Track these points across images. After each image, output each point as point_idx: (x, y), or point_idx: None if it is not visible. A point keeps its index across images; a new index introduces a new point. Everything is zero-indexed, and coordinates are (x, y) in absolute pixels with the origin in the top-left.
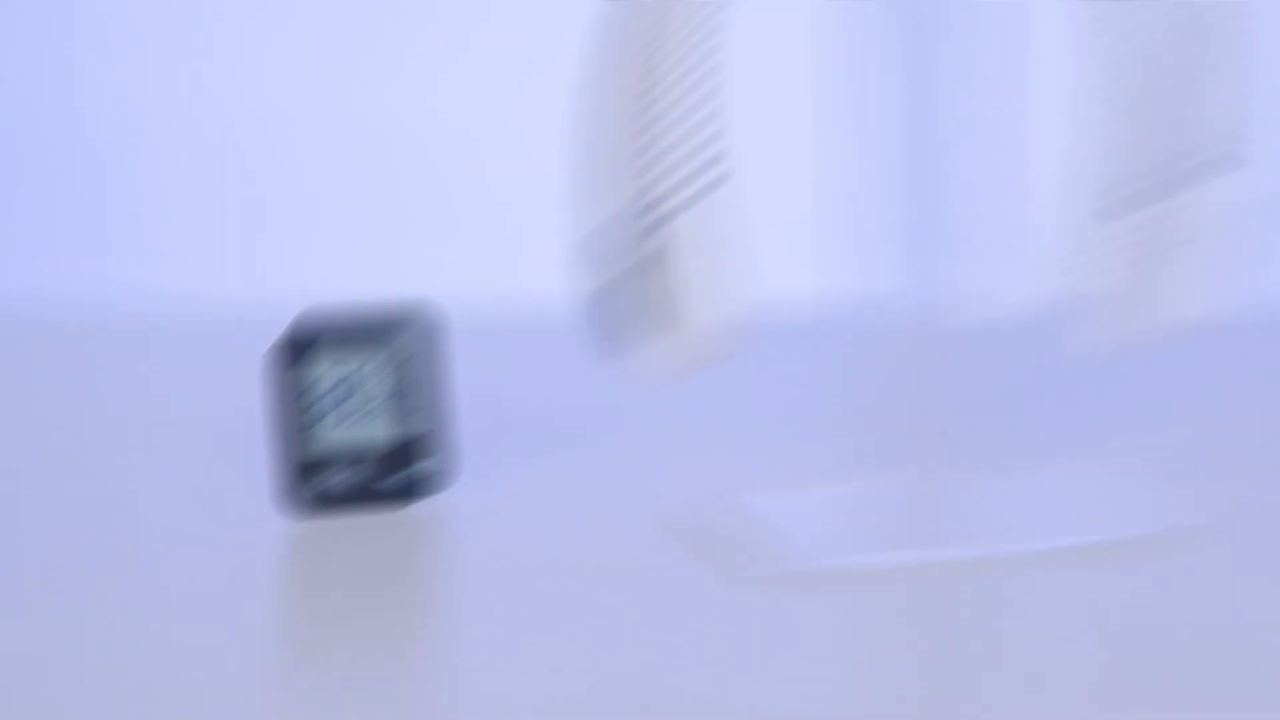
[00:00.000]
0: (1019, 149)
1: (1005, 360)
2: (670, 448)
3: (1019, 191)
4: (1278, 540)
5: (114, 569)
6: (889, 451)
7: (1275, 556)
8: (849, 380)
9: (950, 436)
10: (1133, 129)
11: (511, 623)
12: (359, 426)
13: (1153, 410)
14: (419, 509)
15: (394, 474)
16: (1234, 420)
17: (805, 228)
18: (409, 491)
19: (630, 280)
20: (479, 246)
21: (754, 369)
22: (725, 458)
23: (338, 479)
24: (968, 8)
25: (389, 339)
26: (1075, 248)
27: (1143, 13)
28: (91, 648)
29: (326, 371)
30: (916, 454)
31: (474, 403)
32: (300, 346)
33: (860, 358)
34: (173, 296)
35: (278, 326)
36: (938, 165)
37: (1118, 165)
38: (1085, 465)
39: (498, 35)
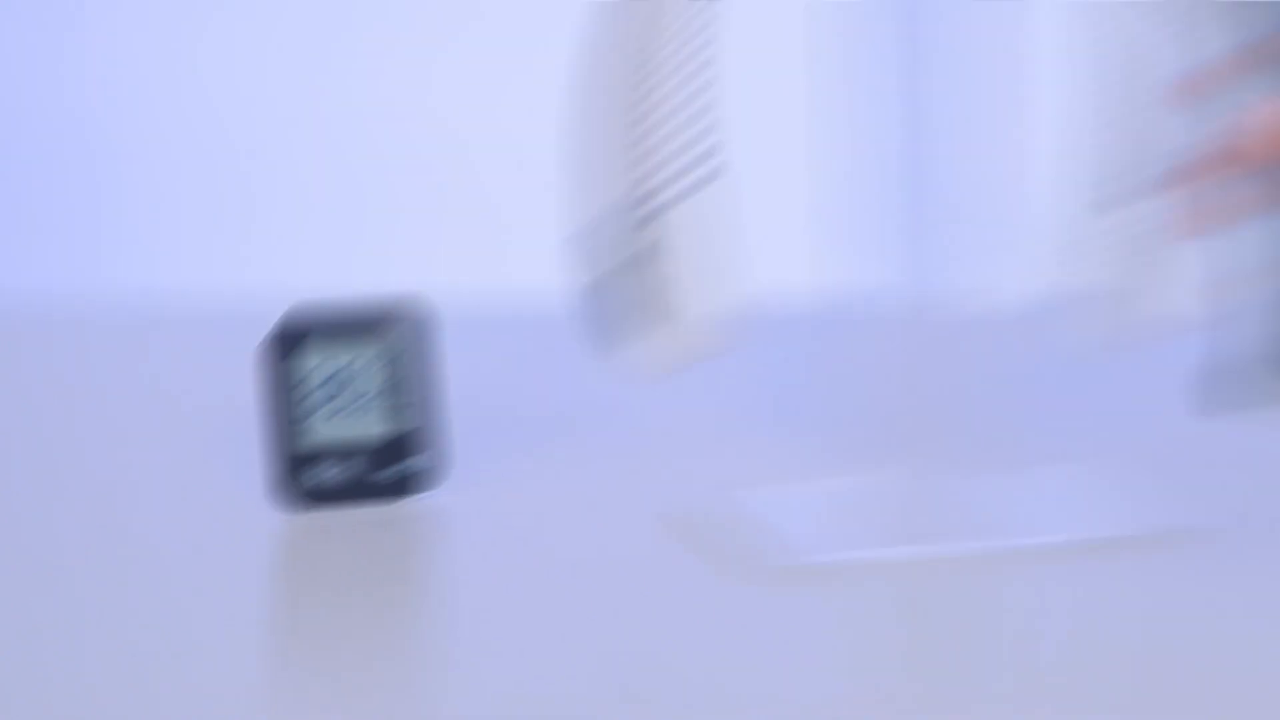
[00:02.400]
0: (1015, 142)
1: (1000, 355)
2: (664, 442)
3: (1015, 185)
4: (1265, 546)
5: (109, 561)
6: (882, 447)
7: (1260, 562)
8: (843, 375)
9: (942, 432)
10: (1130, 122)
11: (505, 617)
12: (351, 421)
13: (1145, 406)
14: (411, 504)
15: (386, 469)
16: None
17: (801, 221)
18: (401, 487)
19: (624, 274)
20: (470, 241)
21: (748, 363)
22: (719, 452)
23: (330, 474)
24: (962, 4)
25: (381, 334)
26: (1071, 241)
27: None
28: (87, 640)
29: (318, 366)
30: (909, 449)
31: (466, 398)
32: (291, 340)
33: (854, 352)
34: (168, 291)
35: (270, 320)
36: (933, 159)
37: (1113, 158)
38: (1076, 463)
39: (489, 30)
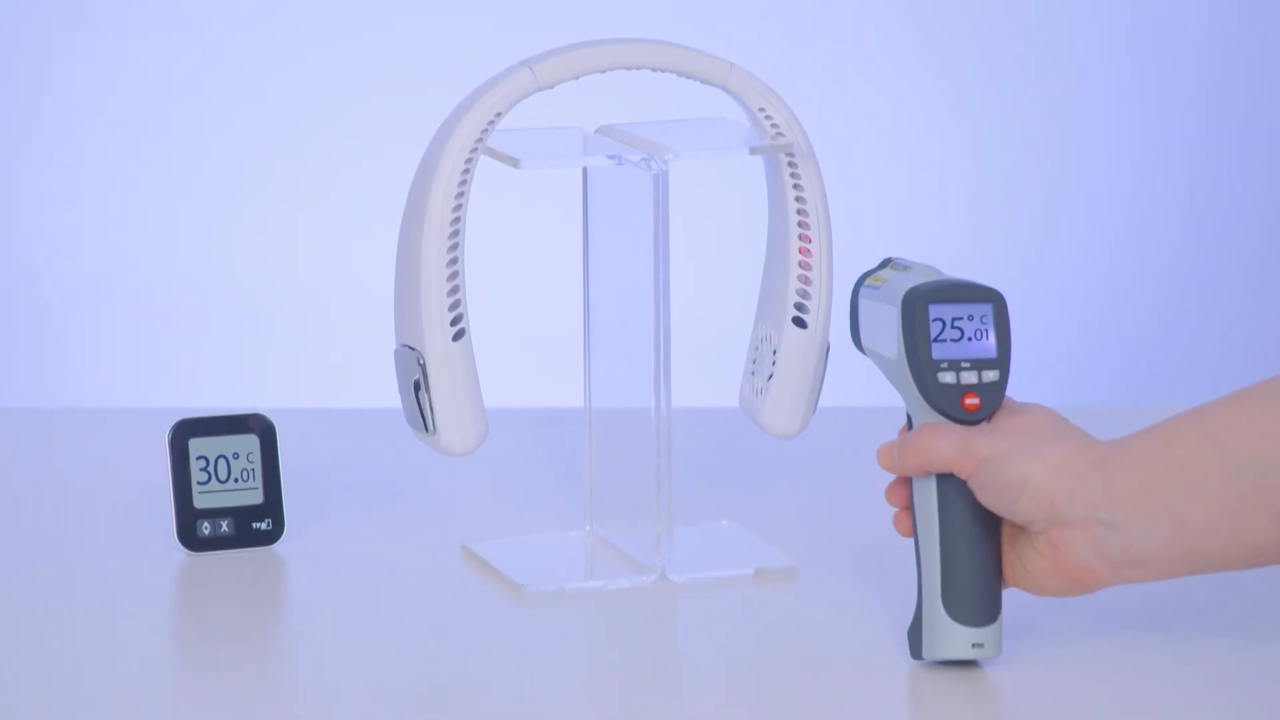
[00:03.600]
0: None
1: (694, 443)
2: (447, 504)
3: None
4: (837, 577)
5: (61, 580)
6: (598, 509)
7: (836, 587)
8: (574, 458)
9: (637, 499)
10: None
11: (333, 629)
12: (224, 493)
13: (784, 477)
14: (274, 549)
15: (248, 525)
16: (825, 489)
17: (554, 352)
18: (261, 539)
19: (412, 391)
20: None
21: (513, 449)
22: (489, 510)
23: (210, 527)
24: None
25: (242, 434)
26: (750, 360)
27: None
28: (40, 639)
29: (204, 454)
30: (616, 511)
31: (322, 476)
32: (186, 437)
33: (588, 444)
34: (96, 397)
35: (171, 422)
36: (649, 307)
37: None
38: (725, 521)
39: (343, 201)
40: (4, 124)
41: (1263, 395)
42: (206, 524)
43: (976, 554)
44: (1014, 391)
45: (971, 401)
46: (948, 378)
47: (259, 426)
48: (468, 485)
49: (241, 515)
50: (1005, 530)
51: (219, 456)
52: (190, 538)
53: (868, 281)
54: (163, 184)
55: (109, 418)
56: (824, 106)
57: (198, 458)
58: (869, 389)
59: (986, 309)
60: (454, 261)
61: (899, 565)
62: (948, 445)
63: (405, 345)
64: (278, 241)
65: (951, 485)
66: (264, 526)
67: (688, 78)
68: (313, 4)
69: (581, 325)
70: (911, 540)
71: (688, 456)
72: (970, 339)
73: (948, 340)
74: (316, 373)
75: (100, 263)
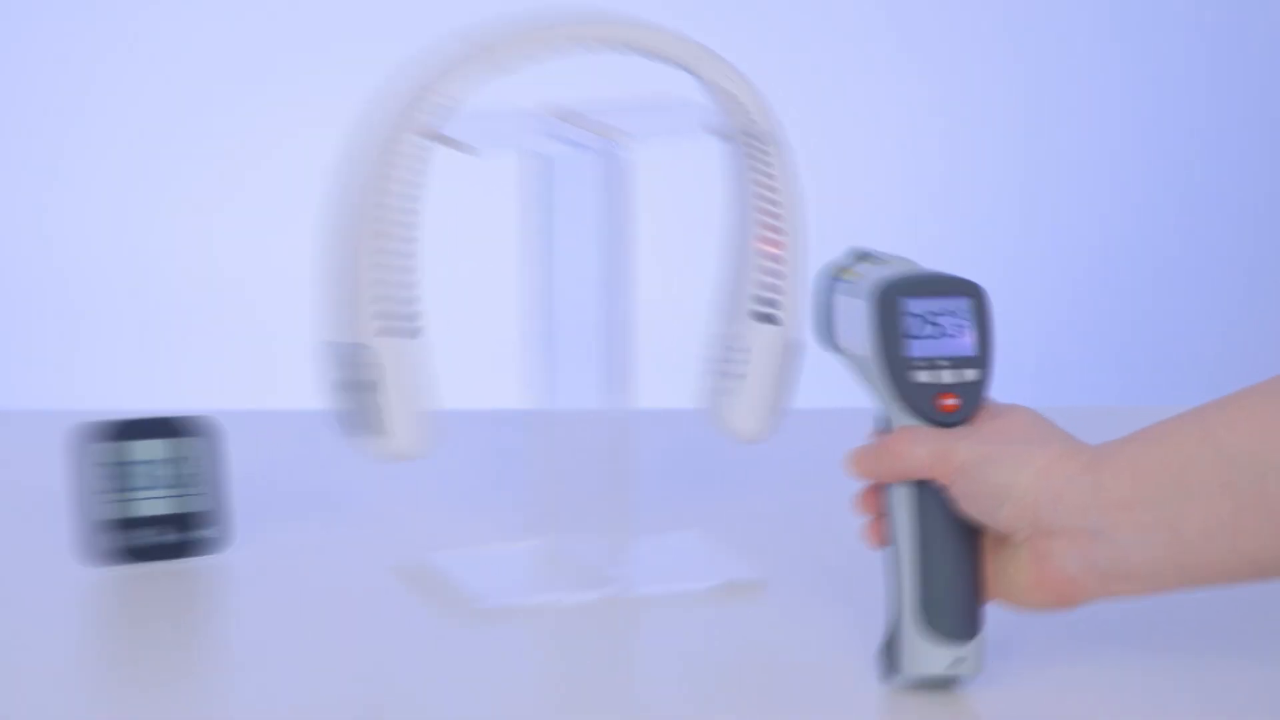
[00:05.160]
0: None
1: (655, 447)
2: (395, 511)
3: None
4: (807, 590)
5: None
6: (544, 518)
7: (807, 602)
8: (526, 464)
9: (594, 507)
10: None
11: (274, 647)
12: (154, 500)
13: (752, 484)
14: (201, 562)
15: (179, 535)
16: (795, 497)
17: (504, 351)
18: (191, 549)
19: (348, 393)
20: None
21: (456, 453)
22: (435, 520)
23: (150, 535)
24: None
25: (179, 437)
26: (716, 359)
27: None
28: None
29: (135, 457)
30: (571, 520)
31: (251, 483)
32: (115, 438)
33: (541, 448)
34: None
35: (77, 422)
36: (612, 301)
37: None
38: (689, 531)
39: (260, 185)
40: None
41: (1264, 396)
42: (144, 532)
43: (957, 565)
44: (996, 392)
45: (950, 402)
46: (924, 377)
47: (202, 429)
48: (414, 493)
49: (183, 523)
50: (987, 540)
51: (160, 460)
52: (120, 549)
53: (835, 275)
54: (80, 176)
55: (43, 420)
56: (801, 97)
57: (139, 462)
58: (841, 390)
59: (965, 303)
60: (404, 254)
61: (875, 578)
62: (924, 450)
63: (346, 342)
64: (197, 235)
65: (929, 492)
66: (207, 534)
67: (652, 59)
68: None
69: (535, 322)
70: (884, 551)
71: (649, 462)
72: (948, 335)
73: (924, 337)
74: (251, 372)
75: (24, 260)
